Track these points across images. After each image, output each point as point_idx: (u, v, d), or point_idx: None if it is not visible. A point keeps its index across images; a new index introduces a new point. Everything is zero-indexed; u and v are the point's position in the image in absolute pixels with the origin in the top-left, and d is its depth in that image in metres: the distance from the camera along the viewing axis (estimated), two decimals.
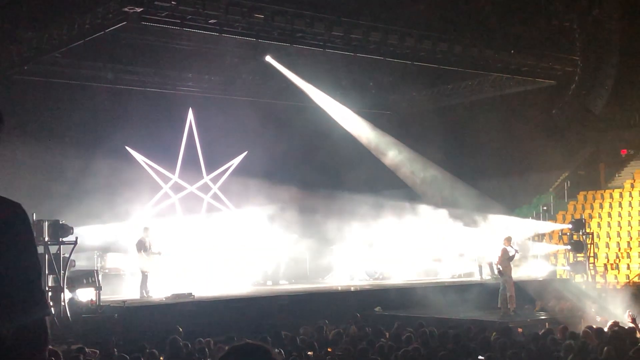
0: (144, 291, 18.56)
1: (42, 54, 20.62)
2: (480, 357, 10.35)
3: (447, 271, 25.30)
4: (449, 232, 24.71)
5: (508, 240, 19.22)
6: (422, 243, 24.72)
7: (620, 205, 27.36)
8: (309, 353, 11.35)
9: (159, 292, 18.41)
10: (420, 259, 24.97)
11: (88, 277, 16.29)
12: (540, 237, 26.35)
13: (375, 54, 22.22)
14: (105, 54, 21.79)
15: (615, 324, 13.81)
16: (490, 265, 22.30)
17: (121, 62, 22.79)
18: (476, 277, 24.10)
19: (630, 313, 15.24)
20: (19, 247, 2.73)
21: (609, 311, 17.43)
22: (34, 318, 2.70)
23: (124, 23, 18.17)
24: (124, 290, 20.10)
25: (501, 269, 18.95)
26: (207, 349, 11.71)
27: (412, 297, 19.69)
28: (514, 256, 18.94)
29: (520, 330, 15.75)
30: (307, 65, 23.48)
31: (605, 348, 10.62)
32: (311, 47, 21.17)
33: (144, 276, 18.67)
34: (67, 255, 15.65)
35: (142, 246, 18.87)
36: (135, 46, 21.96)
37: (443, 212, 25.16)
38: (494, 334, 12.98)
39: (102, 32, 18.83)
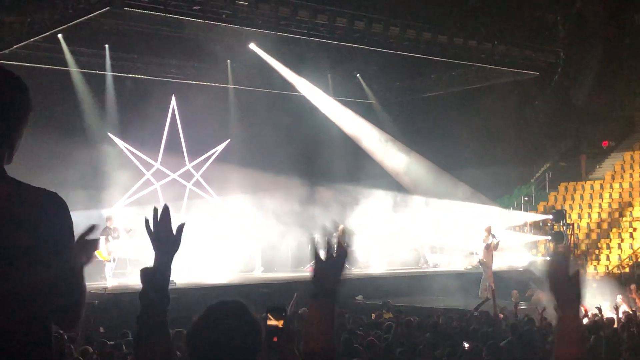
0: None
1: (23, 38, 20.40)
2: (465, 344, 10.38)
3: (429, 261, 25.47)
4: (430, 221, 24.84)
5: (488, 230, 19.36)
6: (404, 232, 24.83)
7: (600, 196, 27.57)
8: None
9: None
10: (402, 248, 25.09)
11: None
12: (521, 227, 26.55)
13: (359, 43, 22.18)
14: (87, 39, 21.59)
15: (595, 314, 13.94)
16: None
17: (103, 48, 22.59)
18: (454, 267, 24.24)
19: (617, 302, 15.40)
20: (59, 237, 2.70)
21: (589, 301, 17.57)
22: (72, 311, 2.74)
23: (107, 8, 18.00)
24: (104, 277, 20.07)
25: (482, 258, 19.12)
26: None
27: (394, 286, 19.76)
28: (491, 244, 19.11)
29: (501, 316, 15.83)
30: (291, 53, 23.41)
31: None
32: (295, 35, 21.10)
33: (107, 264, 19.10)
34: None
35: (107, 234, 19.05)
36: (117, 32, 21.77)
37: (425, 202, 25.29)
38: (473, 321, 13.05)
39: (85, 18, 18.67)
